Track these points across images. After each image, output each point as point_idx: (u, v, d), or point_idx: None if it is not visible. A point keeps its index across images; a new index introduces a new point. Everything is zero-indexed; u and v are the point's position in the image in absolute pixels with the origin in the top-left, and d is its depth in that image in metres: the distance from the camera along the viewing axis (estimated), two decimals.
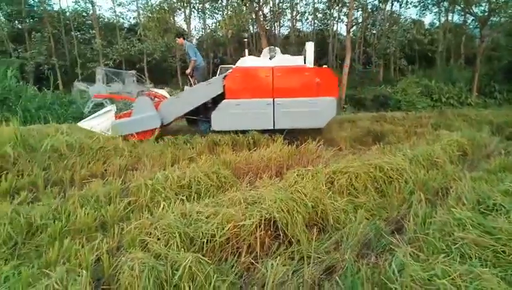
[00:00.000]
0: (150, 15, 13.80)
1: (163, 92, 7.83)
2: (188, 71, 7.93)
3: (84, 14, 21.58)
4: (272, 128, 6.43)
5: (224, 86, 6.35)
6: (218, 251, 2.37)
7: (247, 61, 6.78)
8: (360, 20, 19.28)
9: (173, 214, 2.62)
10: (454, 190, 3.32)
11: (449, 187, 3.61)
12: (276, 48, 7.53)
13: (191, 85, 7.65)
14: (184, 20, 18.26)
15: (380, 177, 3.65)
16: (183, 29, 21.07)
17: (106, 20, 22.07)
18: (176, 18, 18.58)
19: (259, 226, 2.56)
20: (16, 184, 3.79)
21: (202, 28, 22.04)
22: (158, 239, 2.27)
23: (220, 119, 6.32)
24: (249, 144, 6.27)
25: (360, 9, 17.20)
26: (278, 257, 2.33)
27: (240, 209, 2.71)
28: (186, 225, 2.43)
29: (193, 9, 17.80)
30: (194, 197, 3.54)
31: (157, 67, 19.41)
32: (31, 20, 20.25)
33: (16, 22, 19.99)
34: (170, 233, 2.29)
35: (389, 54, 20.75)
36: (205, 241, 2.31)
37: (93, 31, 20.41)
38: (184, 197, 3.48)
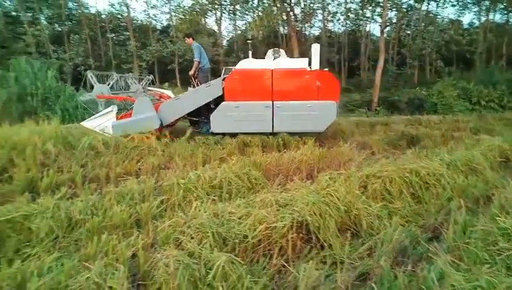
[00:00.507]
0: (182, 17, 14.11)
1: (168, 92, 7.91)
2: (191, 72, 7.88)
3: (119, 16, 22.30)
4: (271, 131, 6.37)
5: (223, 88, 6.35)
6: (250, 252, 2.36)
7: (247, 63, 6.69)
8: (394, 20, 18.79)
9: (205, 213, 2.65)
10: (496, 197, 3.16)
11: (491, 195, 3.44)
12: (281, 50, 7.39)
13: (194, 86, 7.67)
14: (215, 22, 18.54)
15: (416, 183, 3.53)
16: (214, 30, 21.38)
17: (140, 22, 22.69)
18: (207, 20, 18.89)
19: (291, 229, 2.54)
20: (56, 180, 3.95)
21: (233, 30, 22.25)
22: (192, 238, 2.30)
23: (219, 121, 6.32)
24: (278, 146, 6.26)
25: (394, 9, 16.75)
26: (310, 261, 2.30)
27: (272, 211, 2.70)
28: (219, 225, 2.45)
29: (224, 10, 18.00)
30: (225, 198, 3.57)
31: (188, 68, 19.77)
32: (70, 23, 21.16)
33: (56, 24, 20.94)
34: (203, 232, 2.31)
35: (424, 55, 20.11)
36: (237, 241, 2.31)
37: (128, 33, 21.04)
38: (215, 197, 3.53)
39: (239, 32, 21.94)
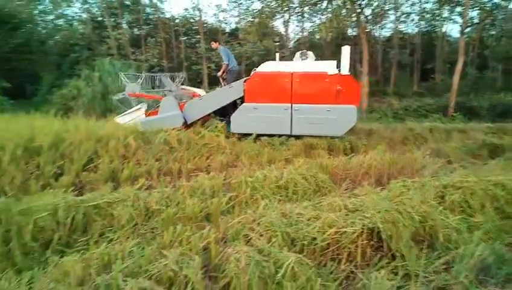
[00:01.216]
0: (252, 20, 14.40)
1: (200, 91, 7.99)
2: (219, 74, 7.97)
3: (191, 20, 23.40)
4: (289, 133, 6.31)
5: (244, 89, 6.43)
6: (318, 255, 2.34)
7: (269, 65, 6.66)
8: (476, 20, 17.33)
9: (274, 213, 2.68)
10: None
11: None
12: (309, 52, 7.22)
13: (221, 87, 7.77)
14: (283, 24, 18.67)
15: (501, 197, 3.22)
16: (281, 32, 21.51)
17: (210, 25, 23.61)
18: (274, 22, 19.07)
19: (361, 235, 2.46)
20: (135, 172, 4.26)
21: (300, 32, 22.22)
22: (261, 235, 2.34)
23: (238, 121, 6.38)
24: (345, 149, 6.11)
25: (477, 8, 15.43)
26: (381, 270, 2.21)
27: (341, 215, 2.64)
28: (287, 225, 2.46)
29: (293, 13, 18.02)
30: (290, 198, 3.58)
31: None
32: (147, 27, 22.69)
33: (135, 28, 22.60)
34: (272, 231, 2.34)
35: (510, 58, 18.24)
36: (306, 243, 2.30)
37: (199, 36, 22.01)
38: (281, 197, 3.55)
39: (305, 34, 21.85)
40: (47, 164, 3.97)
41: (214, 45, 8.48)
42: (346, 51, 6.40)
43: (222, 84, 7.81)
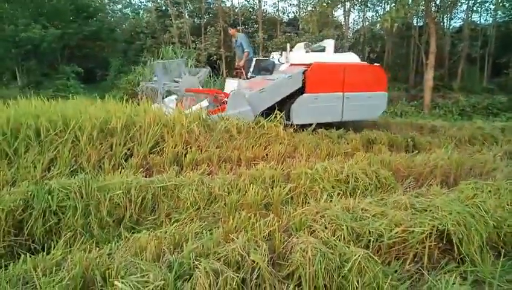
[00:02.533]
0: (312, 9, 14.13)
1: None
2: (241, 63, 7.73)
3: (250, 9, 23.47)
4: (339, 120, 6.82)
5: (303, 80, 6.48)
6: (383, 253, 2.29)
7: (309, 56, 7.09)
8: None
9: (336, 206, 2.65)
10: None
11: None
12: (330, 40, 7.66)
13: (242, 77, 7.53)
14: (343, 14, 18.08)
15: None
16: (340, 22, 20.88)
17: (269, 14, 23.50)
18: (335, 12, 18.52)
19: (430, 236, 2.37)
20: (196, 157, 4.42)
21: (361, 21, 21.41)
22: (325, 228, 2.33)
23: (299, 112, 6.45)
24: (407, 146, 5.87)
25: None
26: (452, 274, 2.12)
27: (408, 214, 2.56)
28: (352, 219, 2.43)
29: (356, 2, 17.40)
30: (350, 193, 3.52)
31: None
32: (207, 16, 23.15)
33: (196, 18, 23.13)
34: (337, 225, 2.32)
35: None
36: (372, 240, 2.26)
37: (257, 25, 22.05)
38: (341, 191, 3.51)
39: (367, 24, 20.99)
40: (119, 145, 4.26)
41: (232, 31, 8.18)
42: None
43: (244, 74, 7.59)
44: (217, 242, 2.18)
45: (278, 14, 23.51)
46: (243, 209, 3.03)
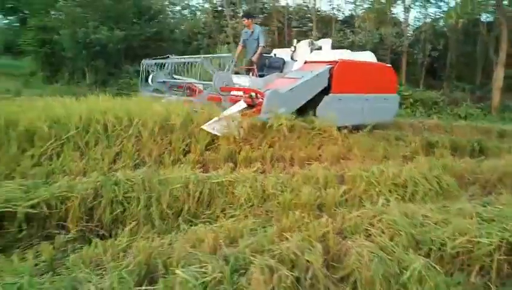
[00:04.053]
0: (369, 6, 13.67)
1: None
2: (254, 58, 6.96)
3: (305, 8, 23.29)
4: (359, 123, 6.09)
5: (329, 79, 5.95)
6: (445, 263, 2.18)
7: (331, 53, 6.68)
8: None
9: (394, 211, 2.56)
10: None
11: None
12: (327, 39, 7.37)
13: (254, 74, 6.85)
14: (403, 10, 17.25)
15: None
16: (400, 19, 19.96)
17: (324, 13, 23.16)
18: (394, 9, 17.76)
19: (499, 249, 2.21)
20: (250, 155, 4.49)
21: (423, 18, 20.29)
22: (382, 232, 2.27)
23: (324, 114, 5.74)
24: (473, 150, 5.50)
25: None
26: None
27: (473, 223, 2.40)
28: (411, 225, 2.33)
29: None
30: (409, 199, 3.38)
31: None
32: (261, 16, 23.35)
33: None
34: (396, 230, 2.25)
35: None
36: (434, 248, 2.16)
37: (311, 24, 21.84)
38: (398, 196, 3.38)
39: (429, 20, 19.85)
40: (178, 141, 4.44)
41: (247, 21, 7.30)
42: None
43: (256, 70, 6.87)
44: (272, 240, 2.21)
45: (333, 12, 23.11)
46: (295, 209, 3.04)
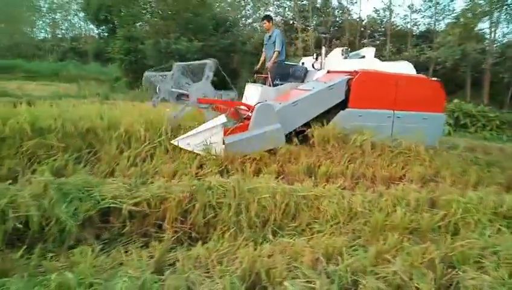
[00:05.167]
0: (454, 20, 12.89)
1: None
2: (269, 64, 6.34)
3: (378, 22, 22.70)
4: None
5: (347, 91, 5.26)
6: None
7: (353, 63, 5.88)
8: None
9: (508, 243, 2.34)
10: None
11: None
12: (370, 47, 6.44)
13: (269, 84, 6.23)
14: (490, 26, 16.01)
15: None
16: (485, 34, 18.55)
17: (399, 27, 22.37)
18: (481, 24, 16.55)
19: None
20: (331, 170, 4.42)
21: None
22: (498, 266, 2.07)
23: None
24: None
25: None
26: None
27: None
28: None
29: (505, 12, 15.30)
30: None
31: (445, 76, 18.03)
32: (333, 29, 23.20)
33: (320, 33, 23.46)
34: None
35: None
36: None
37: (384, 38, 21.20)
38: (501, 227, 3.10)
39: None
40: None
41: (267, 24, 6.76)
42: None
43: (270, 80, 6.30)
44: (372, 261, 2.13)
45: (408, 26, 22.20)
46: (384, 231, 2.92)
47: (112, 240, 2.79)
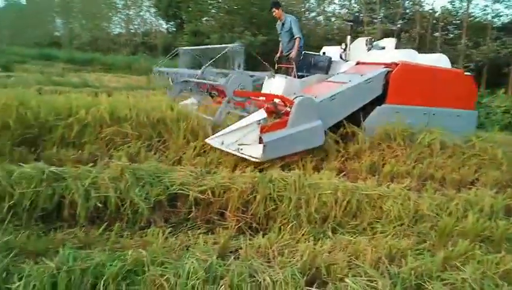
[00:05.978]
0: None
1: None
2: (292, 54, 5.88)
3: (453, 13, 21.08)
4: None
5: (385, 85, 4.81)
6: None
7: (388, 54, 5.63)
8: None
9: None
10: None
11: None
12: (392, 39, 6.25)
13: (292, 74, 5.73)
14: None
15: None
16: None
17: (477, 19, 20.57)
18: None
19: None
20: (396, 170, 4.25)
21: None
22: None
23: (374, 129, 4.66)
24: None
25: None
26: None
27: None
28: None
29: None
30: None
31: None
32: (402, 21, 21.99)
33: (389, 23, 22.32)
34: None
35: None
36: None
37: (459, 31, 19.66)
38: None
39: None
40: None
41: (276, 12, 6.24)
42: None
43: (294, 71, 5.87)
44: (439, 266, 2.04)
45: (488, 18, 20.30)
46: (453, 236, 2.77)
47: (178, 224, 2.98)
